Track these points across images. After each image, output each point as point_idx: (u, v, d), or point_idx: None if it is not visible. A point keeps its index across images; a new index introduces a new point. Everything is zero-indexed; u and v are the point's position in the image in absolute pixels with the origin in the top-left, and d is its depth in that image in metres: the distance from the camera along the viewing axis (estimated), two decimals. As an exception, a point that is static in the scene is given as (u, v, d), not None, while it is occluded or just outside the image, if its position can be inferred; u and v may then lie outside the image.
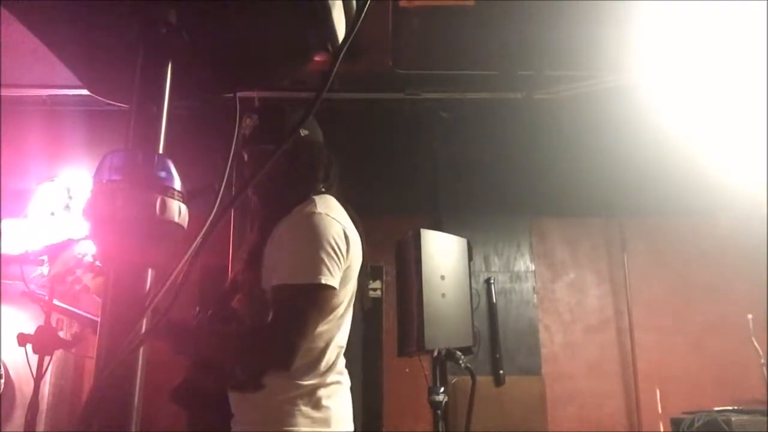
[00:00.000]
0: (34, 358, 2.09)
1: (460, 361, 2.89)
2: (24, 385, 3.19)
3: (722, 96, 3.82)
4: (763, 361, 3.72)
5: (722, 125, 3.99)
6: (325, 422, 1.43)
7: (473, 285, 3.91)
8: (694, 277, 4.31)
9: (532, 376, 4.07)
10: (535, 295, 4.28)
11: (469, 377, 3.09)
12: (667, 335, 4.25)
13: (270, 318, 1.41)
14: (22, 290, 2.40)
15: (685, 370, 4.15)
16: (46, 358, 2.09)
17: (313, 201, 1.51)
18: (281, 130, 1.57)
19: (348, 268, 1.50)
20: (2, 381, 3.13)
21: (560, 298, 4.39)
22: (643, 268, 4.38)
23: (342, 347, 1.56)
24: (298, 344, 1.37)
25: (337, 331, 1.52)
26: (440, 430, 2.75)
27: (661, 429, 3.93)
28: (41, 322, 2.09)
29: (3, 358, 3.11)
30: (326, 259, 1.41)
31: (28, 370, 2.14)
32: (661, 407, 4.01)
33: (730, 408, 3.54)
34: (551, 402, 4.07)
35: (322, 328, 1.46)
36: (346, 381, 1.55)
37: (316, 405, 1.43)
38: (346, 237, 1.49)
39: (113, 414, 0.64)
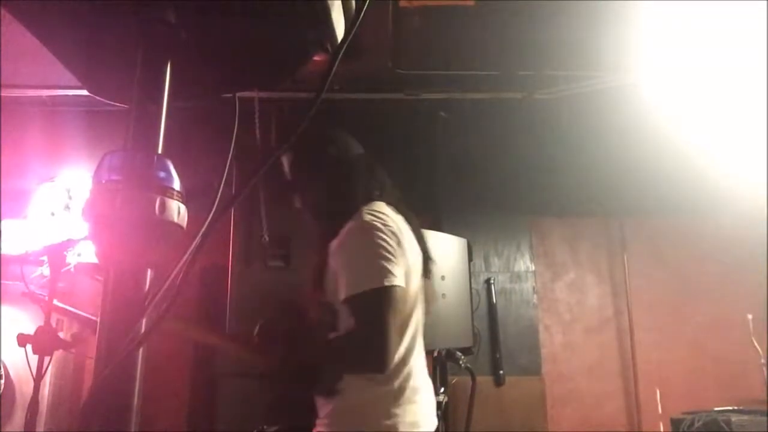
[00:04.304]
0: (34, 359, 2.09)
1: (460, 361, 2.89)
2: (24, 385, 3.19)
3: (722, 96, 3.82)
4: (763, 361, 3.72)
5: (722, 125, 3.98)
6: (404, 425, 1.47)
7: (473, 285, 3.92)
8: (694, 277, 4.30)
9: (532, 376, 4.07)
10: (535, 295, 4.28)
11: (469, 377, 3.10)
12: (667, 335, 4.25)
13: (352, 330, 1.46)
14: (22, 290, 2.40)
15: (685, 370, 4.15)
16: (46, 359, 2.09)
17: (361, 211, 1.56)
18: (317, 162, 1.69)
19: (407, 269, 1.54)
20: (2, 381, 3.13)
21: (560, 298, 4.39)
22: (643, 268, 4.38)
23: (416, 349, 1.60)
24: (385, 346, 1.40)
25: (406, 334, 1.56)
26: (440, 430, 2.75)
27: (661, 429, 3.93)
28: (41, 322, 2.09)
29: (3, 358, 3.11)
30: (383, 262, 1.45)
31: (28, 370, 2.14)
32: (661, 407, 4.01)
33: (730, 408, 3.54)
34: (551, 402, 4.07)
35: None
36: (424, 383, 1.59)
37: (399, 406, 1.48)
38: (397, 237, 1.52)
39: (113, 414, 0.64)
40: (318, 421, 1.56)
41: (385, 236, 1.49)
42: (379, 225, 1.51)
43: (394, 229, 1.54)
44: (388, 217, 1.57)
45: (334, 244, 1.55)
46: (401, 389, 1.51)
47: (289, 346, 1.59)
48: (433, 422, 1.58)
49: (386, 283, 1.43)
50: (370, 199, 1.63)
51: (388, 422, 1.46)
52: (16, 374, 3.19)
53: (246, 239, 3.75)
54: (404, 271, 1.51)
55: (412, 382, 1.54)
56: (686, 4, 3.24)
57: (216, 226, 0.70)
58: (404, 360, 1.54)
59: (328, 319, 1.54)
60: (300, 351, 1.59)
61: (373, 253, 1.46)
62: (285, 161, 1.74)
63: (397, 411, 1.48)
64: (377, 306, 1.42)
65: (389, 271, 1.45)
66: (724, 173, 3.94)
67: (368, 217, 1.53)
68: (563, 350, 4.26)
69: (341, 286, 1.48)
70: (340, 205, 1.63)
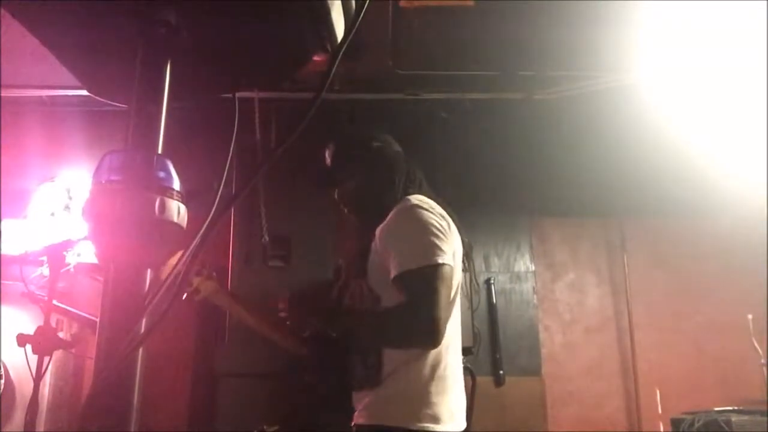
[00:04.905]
0: (33, 359, 2.09)
1: (460, 362, 2.88)
2: (24, 385, 3.19)
3: (722, 96, 3.82)
4: (763, 361, 3.71)
5: (722, 125, 3.98)
6: (434, 418, 1.47)
7: (473, 285, 3.92)
8: (694, 277, 4.30)
9: (532, 376, 4.06)
10: (535, 296, 4.28)
11: (468, 377, 3.09)
12: (667, 335, 4.25)
13: (405, 302, 1.48)
14: (21, 290, 2.40)
15: (685, 370, 4.15)
16: (46, 359, 2.09)
17: (406, 198, 1.63)
18: (360, 154, 1.78)
19: (454, 252, 1.57)
20: (2, 381, 3.13)
21: (560, 299, 4.39)
22: (643, 268, 4.38)
23: (455, 342, 1.61)
24: (437, 320, 1.42)
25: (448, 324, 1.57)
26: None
27: (661, 429, 3.93)
28: (41, 322, 2.09)
29: (3, 358, 3.11)
30: (435, 241, 1.50)
31: (28, 370, 2.15)
32: (661, 407, 4.01)
33: (730, 408, 3.54)
34: (551, 402, 4.06)
35: None
36: (460, 378, 1.61)
37: (438, 395, 1.49)
38: (445, 220, 1.58)
39: (113, 414, 0.64)
40: (357, 413, 1.55)
41: (434, 216, 1.55)
42: (427, 207, 1.57)
43: (441, 212, 1.60)
44: (433, 202, 1.64)
45: (380, 228, 1.59)
46: (441, 379, 1.52)
47: (321, 316, 1.64)
48: (463, 422, 1.57)
49: (438, 261, 1.47)
50: (409, 194, 1.69)
51: (429, 411, 1.47)
52: (16, 374, 3.19)
53: (246, 239, 3.75)
54: (452, 253, 1.54)
55: (450, 374, 1.56)
56: (686, 5, 3.24)
57: (216, 227, 0.70)
58: (445, 351, 1.55)
59: (371, 305, 1.56)
60: (335, 322, 1.62)
61: (425, 231, 1.51)
62: (327, 154, 1.82)
63: (437, 400, 1.49)
64: (429, 281, 1.45)
65: (440, 249, 1.49)
66: (724, 174, 3.94)
67: (416, 201, 1.59)
68: (563, 350, 4.26)
69: (391, 265, 1.50)
70: (380, 197, 1.69)
